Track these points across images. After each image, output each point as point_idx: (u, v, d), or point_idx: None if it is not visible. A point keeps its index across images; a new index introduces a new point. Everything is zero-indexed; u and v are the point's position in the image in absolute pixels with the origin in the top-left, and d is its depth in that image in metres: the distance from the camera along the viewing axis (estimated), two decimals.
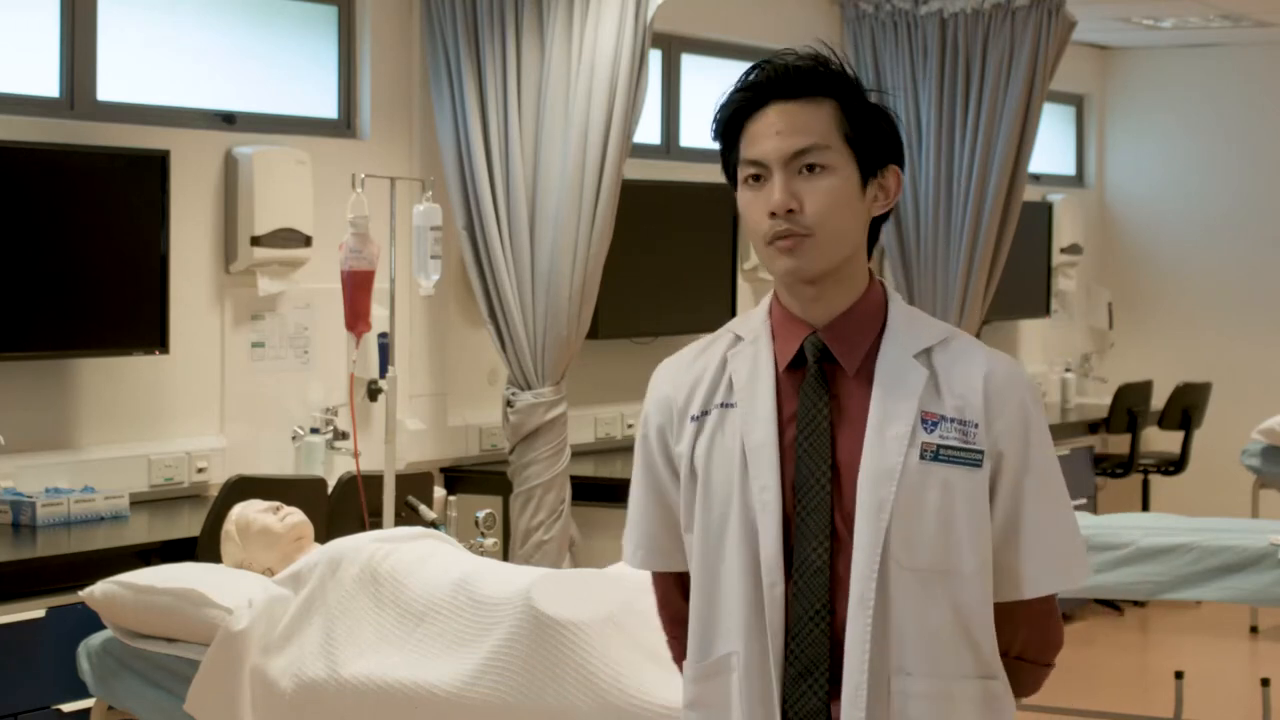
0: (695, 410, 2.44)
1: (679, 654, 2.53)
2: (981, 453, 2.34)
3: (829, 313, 2.40)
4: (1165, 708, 6.59)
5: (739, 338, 2.46)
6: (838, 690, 2.34)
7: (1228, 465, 8.99)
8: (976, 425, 2.35)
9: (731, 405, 2.41)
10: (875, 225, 2.45)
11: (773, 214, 2.36)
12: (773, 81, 2.39)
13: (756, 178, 2.39)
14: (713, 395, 2.44)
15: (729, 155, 2.43)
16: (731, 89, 2.42)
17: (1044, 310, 10.07)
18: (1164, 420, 9.70)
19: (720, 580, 2.39)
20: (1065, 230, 10.25)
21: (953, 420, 2.35)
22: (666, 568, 2.53)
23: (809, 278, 2.38)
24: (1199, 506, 8.60)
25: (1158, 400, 9.73)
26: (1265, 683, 6.43)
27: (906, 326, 2.41)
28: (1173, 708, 6.47)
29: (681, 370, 2.49)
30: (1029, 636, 2.44)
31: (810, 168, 2.36)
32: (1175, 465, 9.72)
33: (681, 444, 2.44)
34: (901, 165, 2.44)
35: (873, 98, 2.43)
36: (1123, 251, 11.00)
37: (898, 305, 2.44)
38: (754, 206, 2.39)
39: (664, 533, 2.50)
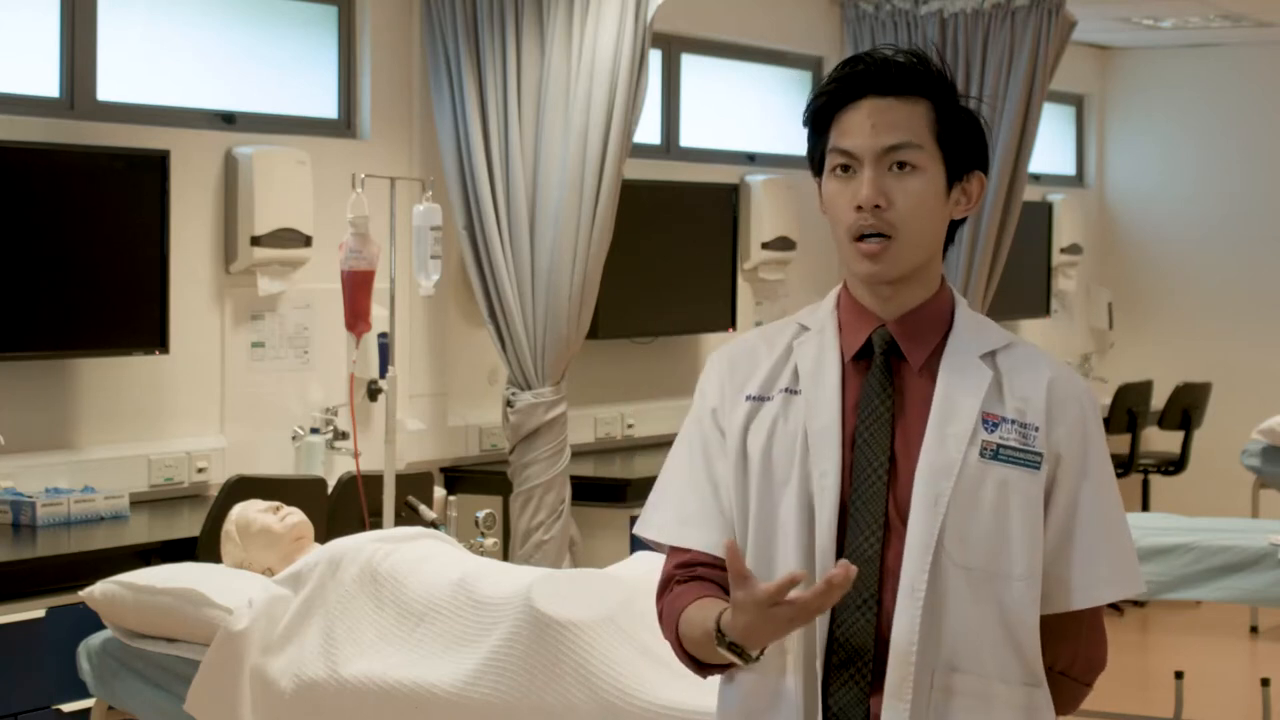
0: (752, 390, 2.44)
1: (668, 632, 2.45)
2: (1040, 455, 2.35)
3: (900, 309, 2.41)
4: (1165, 708, 6.60)
5: (805, 328, 2.47)
6: (879, 683, 2.33)
7: (1228, 465, 8.99)
8: (1037, 429, 2.36)
9: (796, 392, 2.41)
10: (952, 228, 2.46)
11: (859, 208, 2.36)
12: (870, 74, 2.39)
13: (845, 168, 2.39)
14: (775, 380, 2.44)
15: (816, 143, 2.43)
16: (827, 78, 2.42)
17: (1044, 310, 10.08)
18: (1164, 420, 9.71)
19: (775, 565, 2.37)
20: (1065, 230, 10.25)
21: (1013, 422, 2.36)
22: (701, 546, 2.43)
23: (890, 280, 2.39)
24: (1199, 506, 8.60)
25: (1158, 400, 9.73)
26: (1265, 683, 6.44)
27: (972, 329, 2.43)
28: (1173, 708, 6.47)
29: (741, 352, 2.49)
30: (1075, 653, 2.43)
31: (901, 165, 2.36)
32: (1175, 465, 9.73)
33: (734, 418, 2.43)
34: (986, 171, 2.45)
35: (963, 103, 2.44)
36: (1123, 251, 11.00)
37: (965, 309, 2.46)
38: (840, 198, 2.39)
39: (701, 508, 2.45)
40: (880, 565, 2.34)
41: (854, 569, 2.20)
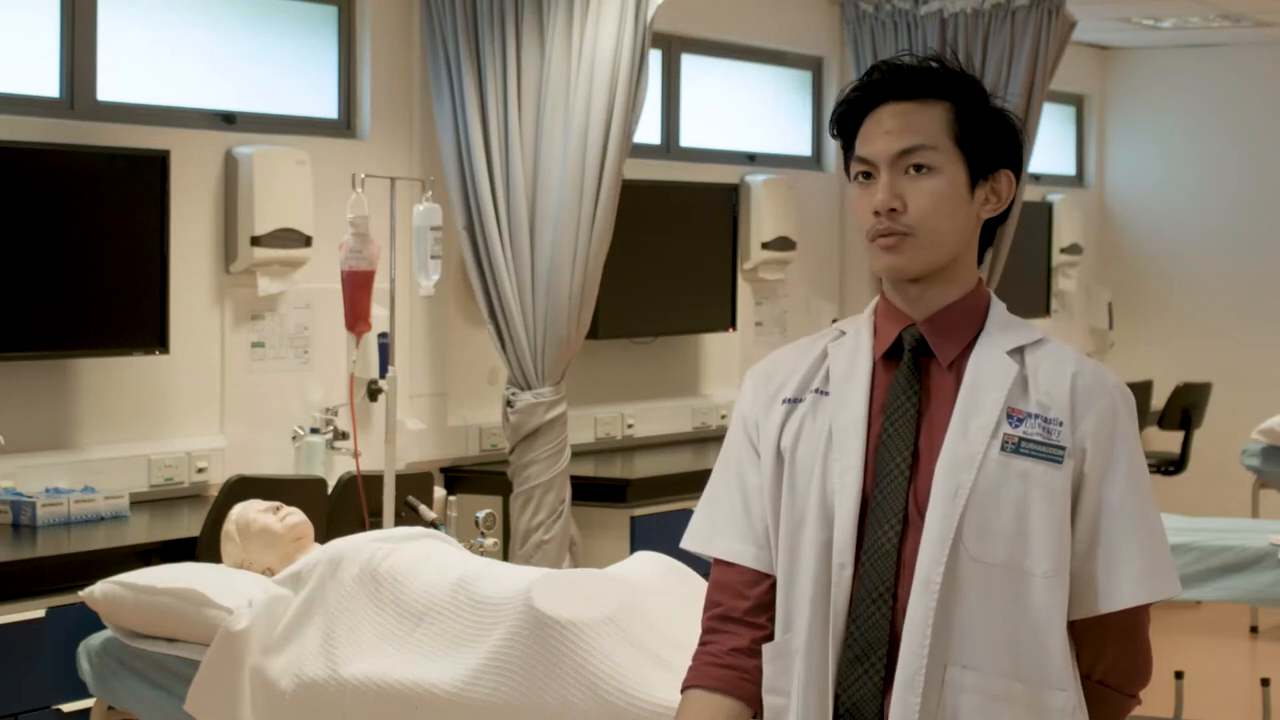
0: (789, 394, 2.46)
1: (701, 657, 2.48)
2: (1064, 449, 2.34)
3: (930, 308, 2.43)
4: (1165, 708, 6.59)
5: (843, 333, 2.50)
6: (892, 678, 2.33)
7: (1228, 465, 8.99)
8: (1061, 423, 2.35)
9: (826, 393, 2.44)
10: (990, 227, 2.47)
11: (876, 212, 2.38)
12: (887, 81, 2.42)
13: (866, 175, 2.41)
14: (809, 383, 2.46)
15: (847, 153, 2.46)
16: (849, 87, 2.46)
17: (1044, 310, 10.08)
18: (1164, 420, 9.71)
19: (799, 562, 2.39)
20: (1065, 230, 10.26)
21: (1037, 416, 2.36)
22: (725, 554, 2.47)
23: (909, 276, 2.41)
24: (1199, 506, 8.60)
25: (1158, 400, 9.73)
26: (1265, 683, 6.44)
27: (1003, 327, 2.44)
28: (1173, 708, 6.47)
29: (782, 358, 2.53)
30: (1114, 660, 2.40)
31: (917, 168, 2.38)
32: (1175, 465, 9.73)
33: (769, 424, 2.46)
34: (1017, 169, 2.46)
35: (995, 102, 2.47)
36: (1123, 251, 11.00)
37: (998, 309, 2.47)
38: (860, 204, 2.42)
39: (734, 518, 2.48)
40: (897, 559, 2.34)
41: None
